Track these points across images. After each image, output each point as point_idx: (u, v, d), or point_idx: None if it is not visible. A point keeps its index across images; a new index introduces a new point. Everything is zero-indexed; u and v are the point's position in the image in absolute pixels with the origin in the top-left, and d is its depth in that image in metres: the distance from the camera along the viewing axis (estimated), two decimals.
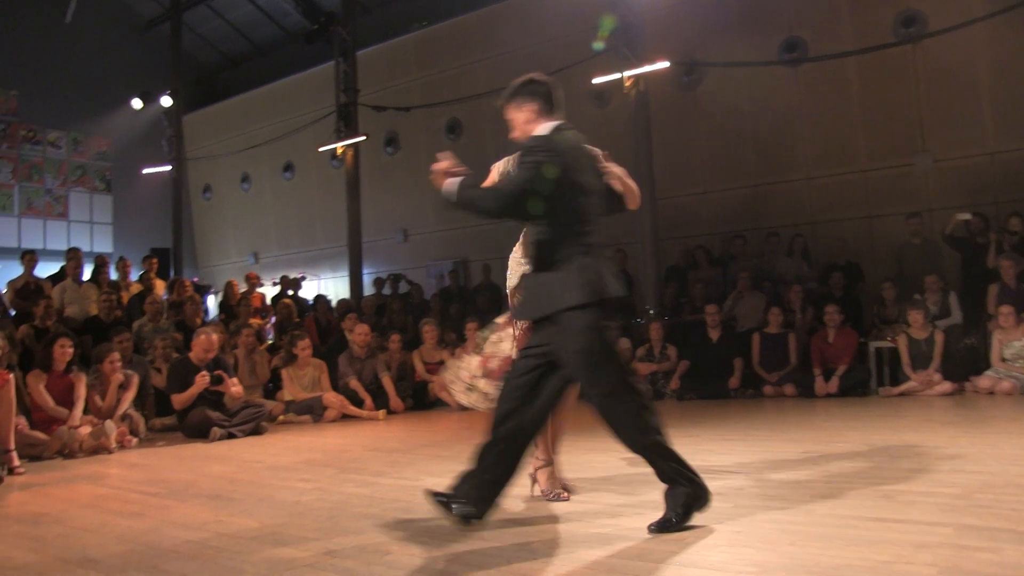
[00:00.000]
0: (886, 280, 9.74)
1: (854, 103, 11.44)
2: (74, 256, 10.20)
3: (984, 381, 8.04)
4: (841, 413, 7.18)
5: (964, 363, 8.66)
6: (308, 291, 14.77)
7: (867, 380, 8.88)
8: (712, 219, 12.48)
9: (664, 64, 10.90)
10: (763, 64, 11.76)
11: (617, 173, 3.56)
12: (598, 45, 10.98)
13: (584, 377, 3.10)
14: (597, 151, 3.51)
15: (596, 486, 3.99)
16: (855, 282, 10.28)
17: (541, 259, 3.22)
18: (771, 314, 9.30)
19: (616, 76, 11.07)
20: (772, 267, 10.78)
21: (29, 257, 10.22)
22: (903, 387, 8.39)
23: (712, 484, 3.89)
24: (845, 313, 9.09)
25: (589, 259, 3.13)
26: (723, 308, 9.88)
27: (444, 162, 3.33)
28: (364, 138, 14.44)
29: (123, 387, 7.06)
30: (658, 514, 3.32)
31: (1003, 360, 8.04)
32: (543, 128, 3.28)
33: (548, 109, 3.34)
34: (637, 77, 11.02)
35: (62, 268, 10.62)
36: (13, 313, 9.33)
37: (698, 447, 5.27)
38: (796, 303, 9.74)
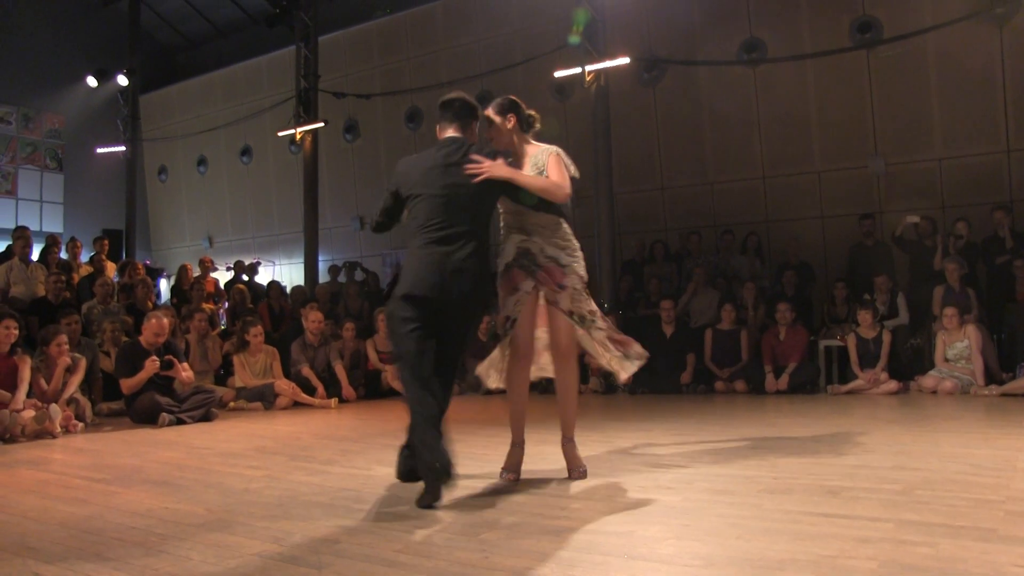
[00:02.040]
0: (839, 280, 9.92)
1: (810, 105, 11.61)
2: (22, 235, 9.93)
3: (928, 380, 8.24)
4: (790, 410, 7.30)
5: (909, 363, 8.88)
6: (263, 277, 14.60)
7: (816, 378, 9.04)
8: (669, 215, 12.61)
9: (625, 60, 10.95)
10: (723, 63, 11.88)
11: (497, 173, 3.78)
12: (574, 39, 10.99)
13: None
14: (477, 156, 3.82)
15: (547, 477, 4.01)
16: (807, 281, 10.44)
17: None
18: (724, 310, 9.42)
19: (577, 70, 11.09)
20: (726, 264, 10.92)
21: None
22: (851, 385, 8.56)
23: (662, 478, 3.97)
24: (796, 311, 9.24)
25: (414, 257, 3.75)
26: (677, 304, 9.98)
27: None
28: (323, 124, 14.30)
29: (70, 370, 6.91)
30: (607, 505, 3.35)
31: (946, 360, 8.24)
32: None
33: (444, 125, 4.03)
34: (598, 72, 11.05)
35: (8, 247, 10.36)
36: None
37: (649, 441, 5.32)
38: (749, 300, 9.88)
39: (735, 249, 11.08)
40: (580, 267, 3.99)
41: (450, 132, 3.93)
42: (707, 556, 2.61)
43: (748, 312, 9.79)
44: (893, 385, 8.38)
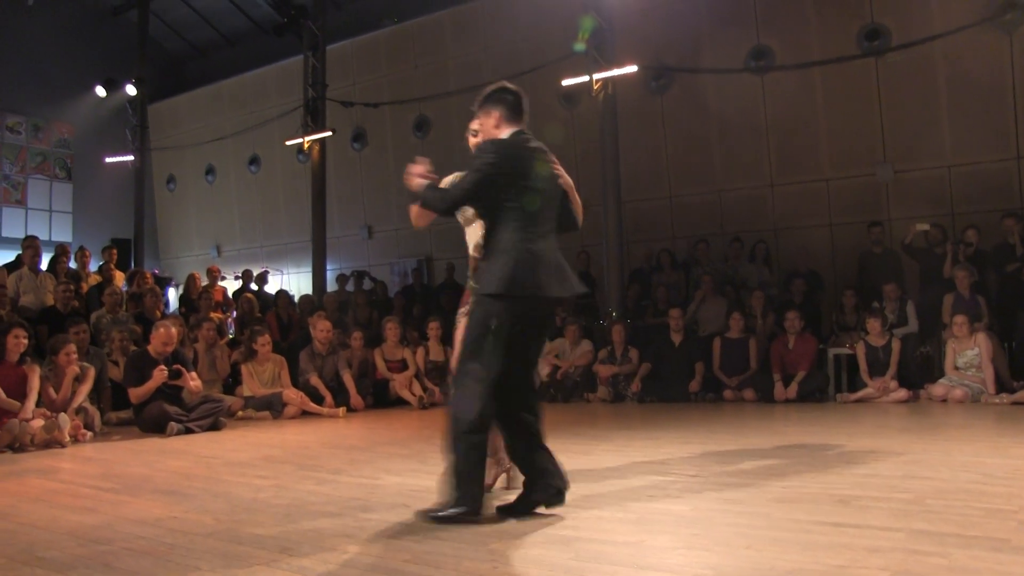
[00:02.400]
0: (847, 288, 9.89)
1: (819, 113, 11.59)
2: (31, 244, 9.98)
3: (938, 389, 8.18)
4: (799, 418, 7.27)
5: (919, 371, 8.83)
6: (271, 286, 14.64)
7: (825, 386, 8.99)
8: (677, 223, 12.59)
9: (632, 68, 10.95)
10: (731, 71, 11.87)
11: (569, 182, 3.72)
12: (579, 46, 11.00)
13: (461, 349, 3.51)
14: (553, 158, 3.63)
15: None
16: (815, 289, 10.41)
17: (487, 248, 3.50)
18: (733, 319, 9.39)
19: (585, 79, 11.09)
20: (735, 272, 10.89)
21: None
22: (860, 394, 8.51)
23: (671, 487, 3.95)
24: (805, 320, 9.20)
25: (527, 254, 3.37)
26: (686, 312, 9.96)
27: (420, 166, 3.60)
28: (331, 133, 14.32)
29: (79, 379, 6.93)
30: (616, 514, 3.33)
31: (956, 368, 8.19)
32: (504, 134, 3.52)
33: (511, 116, 3.55)
34: (606, 80, 11.05)
35: (18, 256, 10.41)
36: None
37: (658, 450, 5.30)
38: (758, 308, 9.84)
39: (743, 257, 11.05)
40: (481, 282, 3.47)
41: (518, 126, 3.56)
42: (716, 566, 2.59)
43: (757, 320, 9.76)
44: (903, 393, 8.33)
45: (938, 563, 2.54)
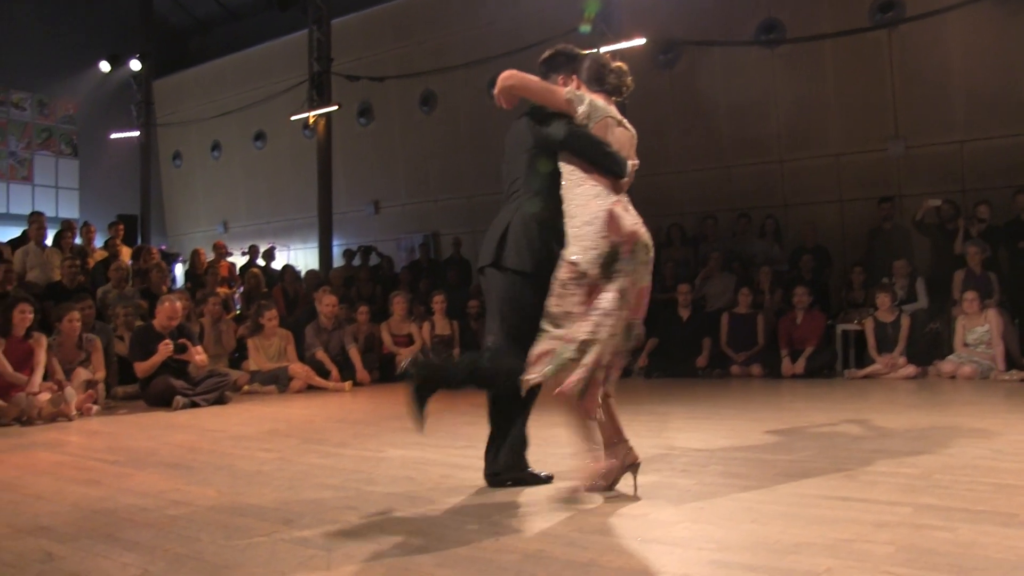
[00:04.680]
0: (856, 264, 9.82)
1: (829, 87, 11.45)
2: (37, 220, 9.99)
3: (947, 365, 8.15)
4: (807, 394, 7.24)
5: (928, 347, 8.77)
6: (277, 262, 14.63)
7: (833, 362, 8.97)
8: (685, 199, 12.50)
9: (640, 41, 10.84)
10: (740, 44, 11.74)
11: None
12: (584, 27, 10.90)
13: None
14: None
15: (559, 461, 3.97)
16: (824, 265, 10.35)
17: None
18: (741, 294, 9.35)
19: (592, 52, 10.97)
20: (743, 248, 10.83)
21: None
22: (868, 370, 8.48)
23: (677, 462, 3.93)
24: (813, 296, 9.15)
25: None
26: (693, 287, 9.91)
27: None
28: (336, 108, 14.23)
29: (80, 347, 6.99)
30: (621, 487, 3.31)
31: (966, 345, 8.14)
32: None
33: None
34: (614, 54, 10.89)
35: (24, 232, 10.41)
36: None
37: (664, 425, 5.28)
38: (765, 284, 9.80)
39: (752, 233, 10.98)
40: (575, 250, 3.16)
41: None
42: (721, 540, 2.57)
43: (765, 296, 9.71)
44: (911, 370, 8.29)
45: (945, 537, 2.52)
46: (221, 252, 12.13)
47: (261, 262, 12.95)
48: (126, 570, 2.41)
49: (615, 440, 3.29)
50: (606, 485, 3.25)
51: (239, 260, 13.72)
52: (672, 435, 4.81)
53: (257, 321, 8.77)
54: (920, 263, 9.60)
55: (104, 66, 17.88)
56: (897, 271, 9.24)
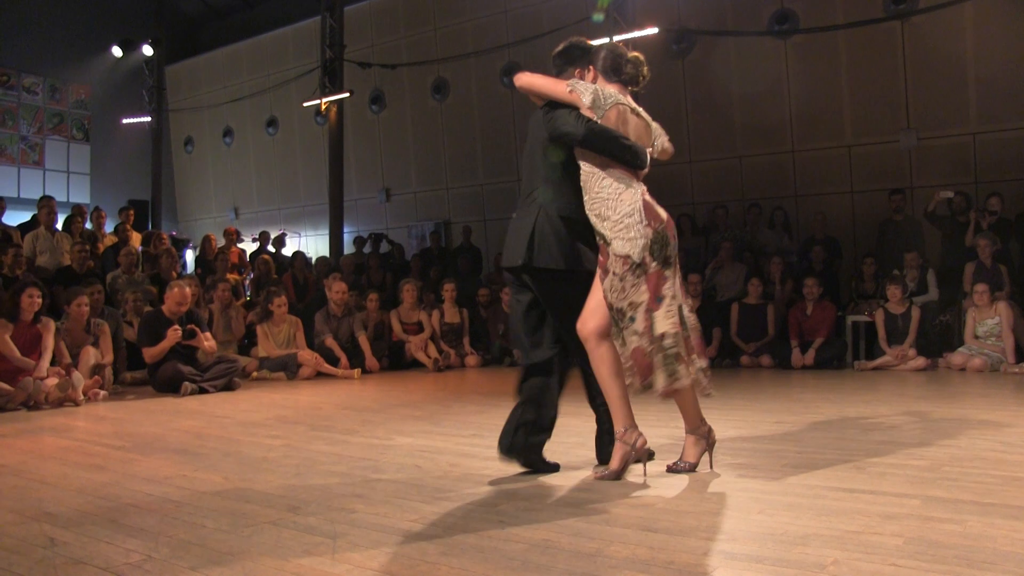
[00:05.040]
0: (867, 255, 9.77)
1: (842, 78, 11.37)
2: (46, 204, 9.98)
3: (957, 358, 8.09)
4: (816, 385, 7.20)
5: (938, 339, 8.73)
6: (288, 248, 14.65)
7: (843, 353, 8.92)
8: (696, 188, 12.44)
9: (653, 31, 10.77)
10: (754, 34, 11.64)
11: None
12: (597, 17, 10.84)
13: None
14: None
15: (569, 450, 3.96)
16: (834, 256, 10.29)
17: None
18: (751, 285, 9.31)
19: (605, 41, 10.90)
20: (754, 238, 10.78)
21: None
22: (878, 361, 8.43)
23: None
24: (824, 287, 9.10)
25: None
26: (704, 277, 9.87)
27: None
28: (348, 95, 14.20)
29: (88, 331, 7.02)
30: (628, 477, 3.30)
31: (976, 337, 8.09)
32: None
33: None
34: (626, 43, 10.84)
35: (34, 216, 10.43)
36: None
37: (673, 415, 5.24)
38: (776, 275, 9.74)
39: (762, 223, 10.93)
40: (623, 243, 3.21)
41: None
42: (729, 530, 2.55)
43: (775, 287, 9.67)
44: (921, 362, 8.24)
45: (953, 530, 2.49)
46: (232, 238, 12.14)
47: (272, 248, 12.96)
48: (129, 556, 2.40)
49: (630, 424, 3.36)
50: (619, 471, 3.30)
51: (249, 247, 13.74)
52: (680, 425, 4.77)
53: (266, 308, 8.78)
54: (931, 255, 9.55)
55: (116, 51, 17.91)
56: (908, 263, 9.18)
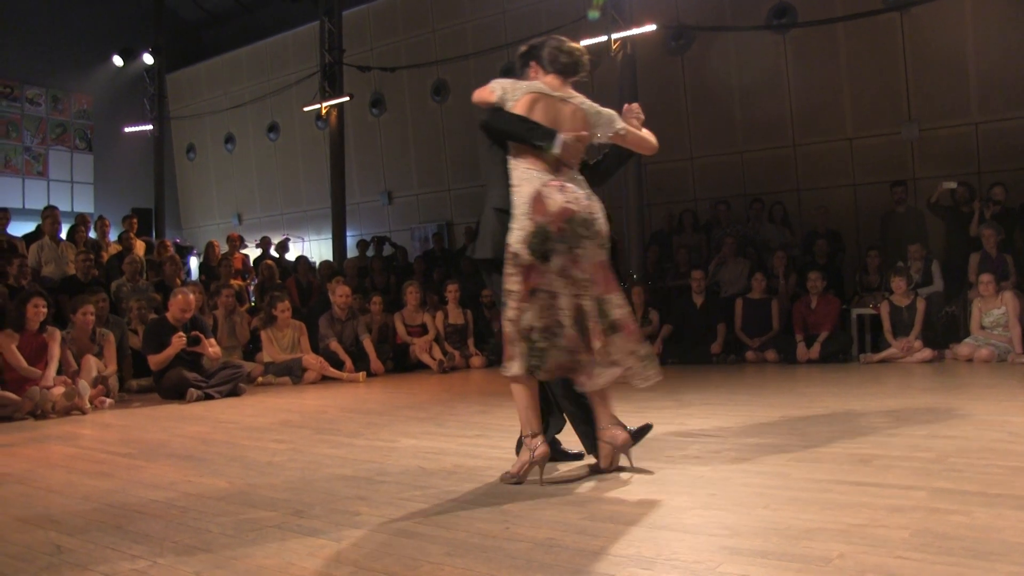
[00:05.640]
0: (871, 248, 9.74)
1: (842, 71, 11.34)
2: (50, 214, 10.02)
3: (963, 348, 8.07)
4: (822, 379, 7.19)
5: (944, 331, 8.71)
6: (291, 253, 14.66)
7: (848, 347, 8.90)
8: (698, 185, 12.43)
9: (651, 28, 10.75)
10: (752, 29, 11.62)
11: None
12: (593, 14, 10.82)
13: None
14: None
15: (571, 448, 3.95)
16: (837, 250, 10.27)
17: None
18: (755, 280, 9.30)
19: (603, 39, 10.91)
20: (756, 233, 10.76)
21: (1, 215, 10.04)
22: (884, 354, 8.41)
23: (689, 447, 3.91)
24: (828, 280, 9.08)
25: None
26: (707, 273, 9.86)
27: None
28: (348, 98, 14.22)
29: (95, 341, 7.03)
30: (632, 475, 3.30)
31: (982, 328, 8.07)
32: None
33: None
34: (624, 40, 10.86)
35: (38, 227, 10.45)
36: None
37: (678, 411, 5.25)
38: (779, 269, 9.73)
39: (764, 218, 10.91)
40: (511, 233, 3.28)
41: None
42: (733, 526, 2.54)
43: (779, 281, 9.65)
44: (927, 353, 8.22)
45: (960, 521, 2.48)
46: (235, 244, 12.16)
47: (275, 253, 12.98)
48: (135, 562, 2.40)
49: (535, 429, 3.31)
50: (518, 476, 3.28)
51: (253, 252, 13.75)
52: (685, 421, 4.79)
53: (270, 312, 8.78)
54: (935, 246, 9.52)
55: (117, 60, 17.97)
56: (912, 255, 9.16)
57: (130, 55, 17.82)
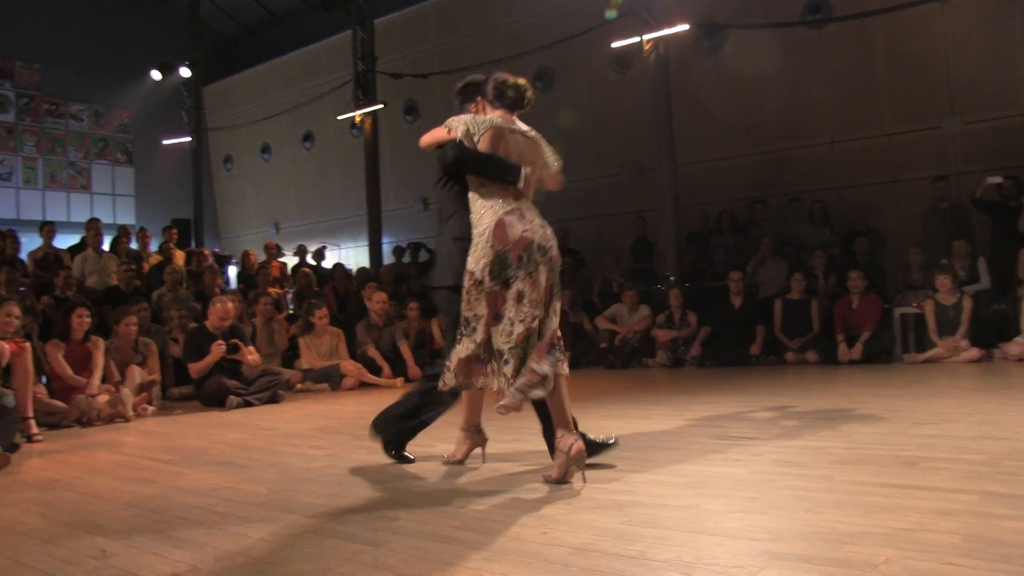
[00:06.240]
0: (913, 246, 9.56)
1: (879, 65, 11.15)
2: (94, 226, 10.22)
3: (1014, 347, 7.87)
4: (864, 380, 7.06)
5: (993, 329, 8.49)
6: (328, 261, 14.76)
7: (891, 347, 8.73)
8: (733, 185, 12.29)
9: (684, 27, 10.66)
10: (786, 25, 11.48)
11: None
12: (610, 13, 10.78)
13: None
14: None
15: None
16: (877, 248, 10.09)
17: None
18: (793, 280, 9.18)
19: (635, 40, 10.85)
20: (794, 233, 10.63)
21: (48, 228, 10.27)
22: (929, 354, 8.24)
23: (729, 450, 3.86)
24: (869, 279, 8.93)
25: None
26: (745, 274, 9.76)
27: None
28: (382, 106, 14.31)
29: (137, 350, 7.14)
30: (671, 478, 3.26)
31: None
32: None
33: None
34: (656, 40, 10.79)
35: (82, 239, 10.65)
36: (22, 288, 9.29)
37: (716, 413, 5.19)
38: (819, 269, 9.60)
39: (802, 217, 10.77)
40: (471, 260, 3.45)
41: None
42: (774, 530, 2.49)
43: (818, 281, 9.52)
44: (975, 353, 8.03)
45: (1014, 527, 2.40)
46: (272, 253, 12.27)
47: (312, 261, 13.08)
48: (176, 567, 2.42)
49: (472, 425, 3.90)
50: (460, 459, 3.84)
51: (291, 260, 13.88)
52: (724, 424, 4.73)
53: (308, 320, 8.85)
54: (981, 242, 9.30)
55: (155, 75, 18.27)
56: (956, 251, 8.96)
57: (168, 69, 18.12)
